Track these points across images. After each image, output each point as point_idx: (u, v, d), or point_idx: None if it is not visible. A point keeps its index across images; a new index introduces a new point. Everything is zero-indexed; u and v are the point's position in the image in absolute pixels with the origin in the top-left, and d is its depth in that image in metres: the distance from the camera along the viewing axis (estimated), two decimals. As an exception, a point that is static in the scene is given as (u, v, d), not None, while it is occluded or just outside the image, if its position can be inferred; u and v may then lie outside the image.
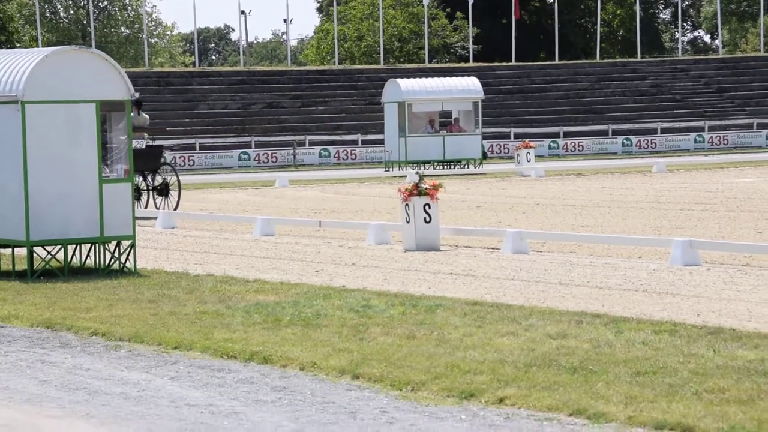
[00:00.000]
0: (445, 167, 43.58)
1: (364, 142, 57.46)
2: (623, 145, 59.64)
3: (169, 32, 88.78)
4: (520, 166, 41.37)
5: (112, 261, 15.60)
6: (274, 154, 53.29)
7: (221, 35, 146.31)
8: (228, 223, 22.86)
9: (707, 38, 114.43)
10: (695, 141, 60.22)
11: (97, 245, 15.64)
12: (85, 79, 15.30)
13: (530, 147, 42.39)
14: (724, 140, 60.31)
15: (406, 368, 8.89)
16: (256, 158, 52.35)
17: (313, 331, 10.57)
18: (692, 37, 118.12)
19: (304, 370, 9.20)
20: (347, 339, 10.15)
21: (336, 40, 72.46)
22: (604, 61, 72.60)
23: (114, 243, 15.62)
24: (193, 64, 78.64)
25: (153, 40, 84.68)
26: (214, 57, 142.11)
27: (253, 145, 53.97)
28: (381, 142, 48.83)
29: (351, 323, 10.90)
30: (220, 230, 21.89)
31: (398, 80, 45.28)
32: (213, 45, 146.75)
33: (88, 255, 15.86)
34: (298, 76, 66.15)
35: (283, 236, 20.11)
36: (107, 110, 15.87)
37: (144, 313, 11.96)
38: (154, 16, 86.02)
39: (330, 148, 56.49)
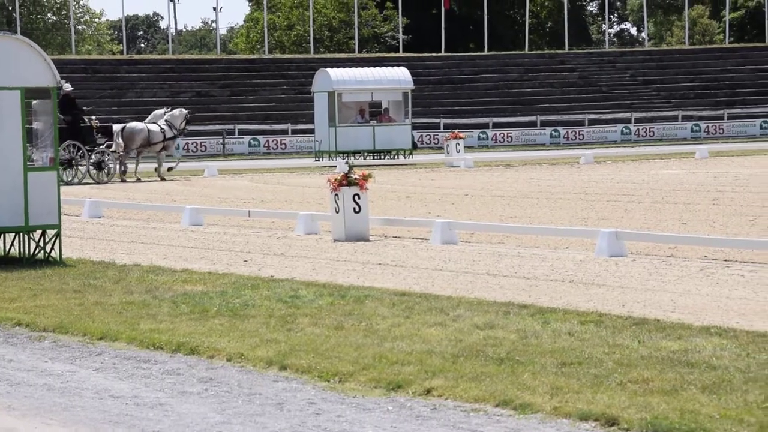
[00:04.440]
0: (375, 157, 43.57)
1: (294, 132, 57.25)
2: (551, 136, 60.08)
3: (96, 19, 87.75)
4: (449, 157, 41.49)
5: (37, 250, 15.39)
6: (203, 143, 52.94)
7: (150, 23, 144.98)
8: (156, 212, 22.65)
9: (634, 30, 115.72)
10: (622, 132, 60.86)
11: (21, 234, 15.41)
12: (10, 65, 15.05)
13: (459, 138, 42.55)
14: (650, 132, 61.01)
15: (333, 359, 8.85)
16: (185, 147, 51.96)
17: (241, 322, 10.50)
18: (619, 29, 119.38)
19: (231, 361, 9.13)
20: (275, 329, 10.10)
21: (266, 29, 72.07)
22: (533, 52, 73.07)
23: (39, 232, 15.40)
24: (121, 51, 77.82)
25: (80, 27, 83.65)
26: (142, 45, 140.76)
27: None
28: (311, 131, 48.69)
29: (279, 314, 10.84)
30: (147, 220, 21.68)
31: (328, 70, 45.17)
32: (141, 33, 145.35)
33: (12, 244, 15.62)
34: (228, 65, 65.70)
35: (212, 226, 19.97)
36: (32, 97, 15.63)
37: (69, 304, 11.80)
38: (81, 2, 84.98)
39: (260, 137, 56.21)
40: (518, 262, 14.27)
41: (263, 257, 15.47)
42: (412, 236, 17.49)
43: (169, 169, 35.96)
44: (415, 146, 47.14)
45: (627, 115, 62.80)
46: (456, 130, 46.56)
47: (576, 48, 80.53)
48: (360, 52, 71.09)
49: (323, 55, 69.26)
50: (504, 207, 22.30)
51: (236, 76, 63.60)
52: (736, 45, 75.18)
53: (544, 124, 61.25)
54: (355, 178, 17.23)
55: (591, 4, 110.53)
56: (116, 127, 34.58)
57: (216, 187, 31.27)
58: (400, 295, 11.67)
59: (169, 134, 35.42)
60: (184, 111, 36.76)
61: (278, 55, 70.77)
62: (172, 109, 36.73)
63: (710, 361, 8.45)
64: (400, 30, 72.17)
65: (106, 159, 33.30)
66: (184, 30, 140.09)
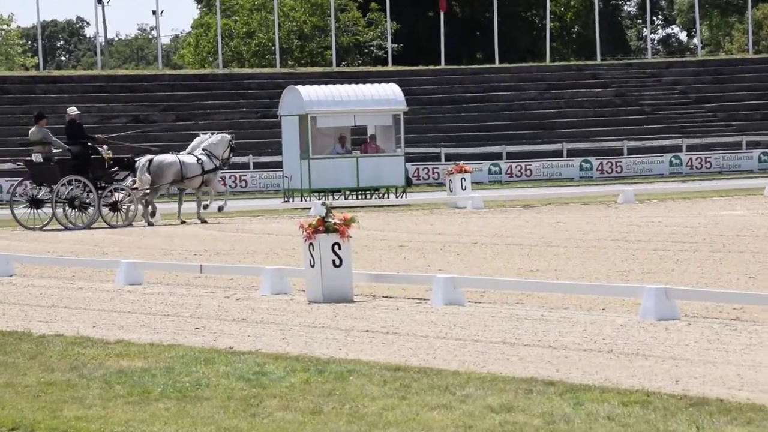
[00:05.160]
0: (360, 197, 43.68)
1: (257, 166, 57.42)
2: (581, 168, 60.31)
3: (5, 26, 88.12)
4: (452, 196, 41.63)
5: (-68, 318, 15.36)
6: (141, 181, 52.95)
7: (72, 30, 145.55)
8: (83, 268, 22.69)
9: (683, 36, 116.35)
10: (671, 164, 61.13)
11: None
12: None
13: (465, 171, 42.71)
14: (706, 163, 61.27)
15: (310, 452, 8.85)
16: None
17: (192, 406, 10.50)
18: (664, 34, 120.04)
19: (180, 456, 9.12)
20: (235, 415, 10.10)
21: (219, 37, 72.42)
22: (556, 64, 73.51)
23: (-66, 295, 15.40)
24: (37, 66, 78.06)
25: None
26: (63, 58, 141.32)
27: (114, 170, 53.61)
28: (278, 165, 48.83)
29: (240, 395, 10.84)
30: (72, 278, 21.71)
31: (299, 88, 45.36)
32: (62, 43, 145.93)
33: None
34: (172, 82, 65.92)
35: (154, 285, 20.00)
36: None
37: (-27, 385, 11.78)
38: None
39: (212, 173, 56.09)
40: (542, 328, 14.30)
41: (219, 324, 15.48)
42: (408, 296, 17.52)
43: (220, 209, 36.39)
44: (409, 182, 47.30)
45: (677, 141, 63.11)
46: (461, 162, 46.73)
47: (611, 58, 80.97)
48: (339, 65, 71.41)
49: (292, 70, 69.59)
50: (523, 258, 22.37)
51: (182, 97, 63.79)
52: (812, 53, 75.68)
53: (571, 153, 61.48)
54: (335, 224, 17.27)
55: (628, 3, 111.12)
56: (142, 160, 35.32)
57: (159, 235, 31.30)
58: (394, 370, 11.68)
59: (208, 166, 36.04)
60: (227, 136, 37.17)
61: (235, 70, 71.10)
62: (212, 134, 37.37)
63: (788, 450, 8.46)
64: (389, 37, 72.54)
65: (125, 199, 34.38)
66: (117, 39, 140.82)
